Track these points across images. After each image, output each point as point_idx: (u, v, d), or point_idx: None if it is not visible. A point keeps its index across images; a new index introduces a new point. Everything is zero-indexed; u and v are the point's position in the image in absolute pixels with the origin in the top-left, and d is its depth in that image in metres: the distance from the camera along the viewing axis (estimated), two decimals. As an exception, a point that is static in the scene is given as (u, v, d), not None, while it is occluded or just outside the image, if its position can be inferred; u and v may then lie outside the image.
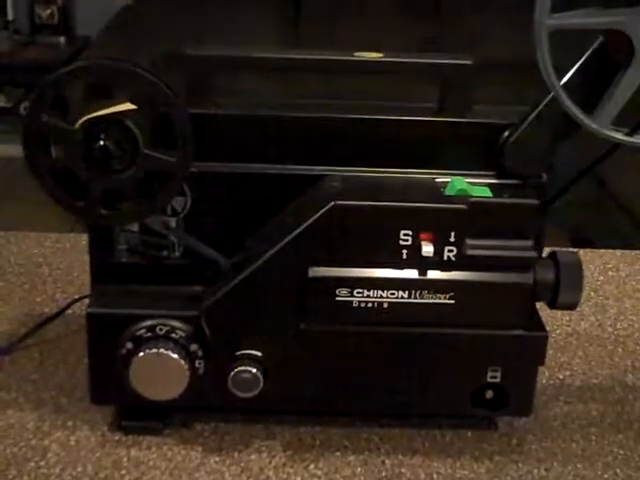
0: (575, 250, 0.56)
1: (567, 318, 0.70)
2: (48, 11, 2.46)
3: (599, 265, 0.79)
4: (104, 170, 0.49)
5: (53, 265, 0.74)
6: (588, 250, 0.82)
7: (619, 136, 0.49)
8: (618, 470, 0.54)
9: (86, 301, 0.54)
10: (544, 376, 0.62)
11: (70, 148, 0.49)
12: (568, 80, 0.49)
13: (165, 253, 0.54)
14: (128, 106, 0.48)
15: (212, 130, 0.51)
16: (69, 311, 0.65)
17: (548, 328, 0.55)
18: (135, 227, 0.53)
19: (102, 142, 0.48)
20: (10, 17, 2.44)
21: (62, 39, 2.46)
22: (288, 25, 2.28)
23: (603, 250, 0.83)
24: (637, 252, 0.82)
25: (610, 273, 0.77)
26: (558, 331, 0.68)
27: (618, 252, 0.81)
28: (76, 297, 0.65)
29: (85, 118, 0.48)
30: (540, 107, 0.50)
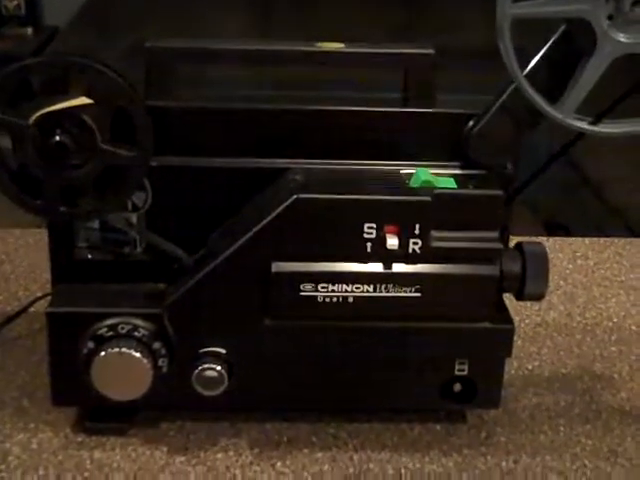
0: (541, 240, 0.56)
1: (536, 307, 0.69)
2: (15, 2, 2.42)
3: (568, 253, 0.78)
4: (61, 166, 0.48)
5: (16, 262, 0.73)
6: (557, 238, 0.82)
7: (583, 125, 0.48)
8: (586, 461, 0.54)
9: (48, 299, 0.53)
10: (513, 367, 0.62)
11: (25, 144, 0.47)
12: (531, 69, 0.48)
13: (127, 250, 0.53)
14: (84, 100, 0.47)
15: (172, 123, 0.50)
16: (32, 309, 0.64)
17: (517, 318, 0.54)
18: (95, 224, 0.52)
19: (58, 137, 0.47)
20: (-25, 8, 2.40)
21: (29, 30, 2.42)
22: (258, 10, 2.27)
23: (572, 238, 0.83)
24: (606, 240, 0.82)
25: (579, 261, 0.77)
26: (527, 321, 0.68)
27: (587, 240, 0.81)
28: (39, 295, 0.64)
29: (39, 113, 0.47)
30: (504, 97, 0.50)
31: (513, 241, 0.54)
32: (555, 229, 1.89)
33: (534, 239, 0.73)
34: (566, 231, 1.92)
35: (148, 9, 2.23)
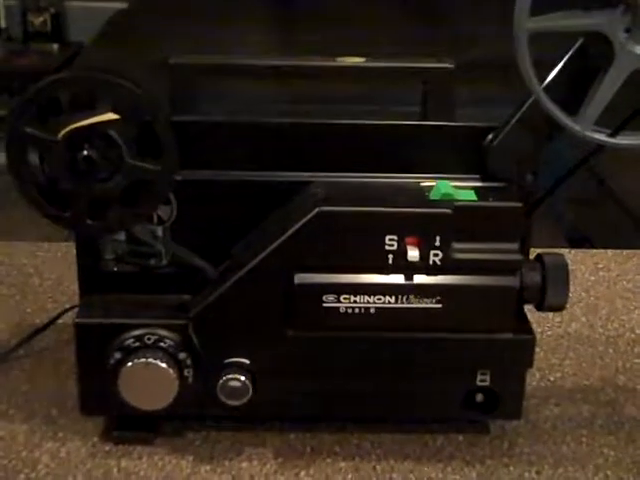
0: (563, 252, 0.56)
1: (558, 319, 0.70)
2: (41, 18, 2.46)
3: (590, 265, 0.79)
4: (89, 180, 0.49)
5: (44, 275, 0.74)
6: (579, 250, 0.83)
7: (602, 137, 0.49)
8: (609, 472, 0.54)
9: (77, 311, 0.54)
10: (535, 378, 0.62)
11: (54, 159, 0.49)
12: (549, 82, 0.49)
13: (152, 262, 0.54)
14: (111, 116, 0.48)
15: (196, 138, 0.51)
16: (60, 321, 0.65)
17: (539, 329, 0.55)
18: (122, 236, 0.53)
19: (86, 152, 0.48)
20: (3, 25, 2.44)
21: (55, 46, 2.46)
22: (280, 27, 2.28)
23: (594, 250, 0.83)
24: (628, 252, 0.82)
25: (601, 273, 0.77)
26: (549, 332, 0.68)
27: (609, 252, 0.81)
28: (67, 307, 0.65)
29: (68, 129, 0.48)
30: (522, 110, 0.50)
31: (535, 253, 0.54)
32: (578, 241, 1.89)
33: (555, 251, 0.74)
34: (589, 243, 1.91)
35: (170, 24, 2.25)
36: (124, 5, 2.41)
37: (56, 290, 0.72)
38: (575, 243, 1.90)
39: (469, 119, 0.52)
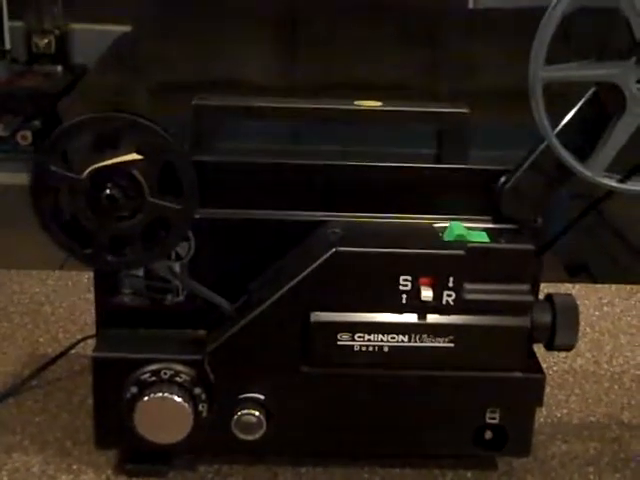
0: (566, 286, 0.57)
1: (563, 355, 0.70)
2: (45, 40, 2.48)
3: (594, 300, 0.80)
4: (111, 218, 0.50)
5: (55, 304, 0.75)
6: (583, 285, 0.84)
7: (612, 183, 0.50)
8: (616, 509, 0.55)
9: (89, 341, 0.55)
10: (542, 414, 0.63)
11: (77, 197, 0.50)
12: (562, 128, 0.50)
13: (169, 297, 0.55)
14: (134, 156, 0.49)
15: (215, 177, 0.52)
16: (72, 351, 0.66)
17: (545, 365, 0.56)
18: (140, 272, 0.54)
19: (109, 191, 0.49)
20: (7, 46, 2.46)
21: (59, 68, 2.48)
22: (282, 48, 2.30)
23: (599, 285, 0.84)
24: (632, 287, 0.83)
25: (605, 308, 0.78)
26: (555, 368, 0.69)
27: (613, 287, 0.82)
28: (79, 338, 0.66)
29: (92, 168, 0.49)
30: (535, 155, 0.51)
31: (545, 293, 0.55)
32: (576, 270, 1.89)
33: (559, 286, 0.75)
34: (587, 272, 1.92)
35: (174, 47, 2.27)
36: (128, 28, 2.43)
37: (68, 320, 0.73)
38: (573, 272, 1.91)
39: (482, 162, 0.54)
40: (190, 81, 2.02)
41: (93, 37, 2.47)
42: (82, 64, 2.49)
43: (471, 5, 2.47)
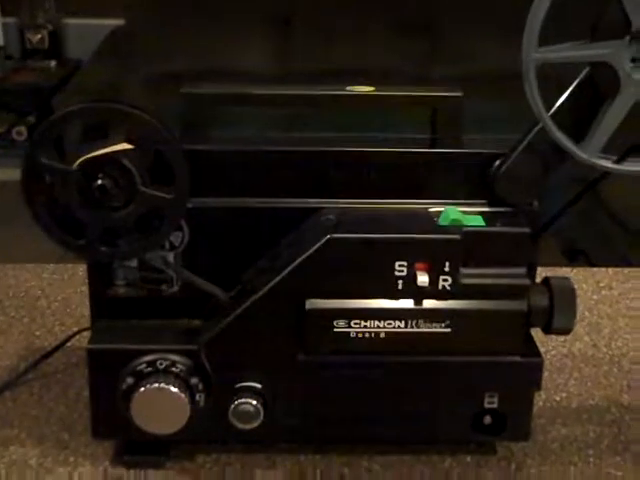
0: (565, 270, 0.57)
1: (562, 339, 0.70)
2: (38, 36, 2.47)
3: (592, 284, 0.79)
4: (102, 209, 0.50)
5: (51, 297, 0.75)
6: (581, 269, 0.83)
7: (608, 164, 0.50)
8: (616, 492, 0.55)
9: (84, 334, 0.55)
10: (541, 399, 0.63)
11: (68, 188, 0.49)
12: (556, 109, 0.50)
13: (164, 287, 0.54)
14: (125, 146, 0.49)
15: (207, 166, 0.52)
16: (68, 344, 0.65)
17: (543, 349, 0.55)
18: (134, 262, 0.54)
19: (100, 181, 0.49)
20: (1, 43, 2.45)
21: (53, 63, 2.46)
22: (277, 38, 2.29)
23: (596, 269, 0.83)
24: (630, 270, 0.82)
25: (603, 292, 0.78)
26: (553, 352, 0.69)
27: (610, 270, 0.82)
28: (75, 330, 0.66)
29: (83, 158, 0.49)
30: (529, 137, 0.51)
31: (542, 277, 0.55)
32: (574, 255, 1.89)
33: (557, 270, 0.74)
34: (585, 256, 1.92)
35: (168, 39, 2.26)
36: (122, 22, 2.42)
37: (64, 313, 0.72)
38: (571, 257, 1.91)
39: (477, 145, 0.53)
40: (185, 72, 2.01)
41: (87, 31, 2.46)
42: (76, 58, 2.48)
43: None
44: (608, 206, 1.87)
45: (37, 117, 2.30)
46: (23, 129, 2.29)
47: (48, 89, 2.31)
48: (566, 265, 1.40)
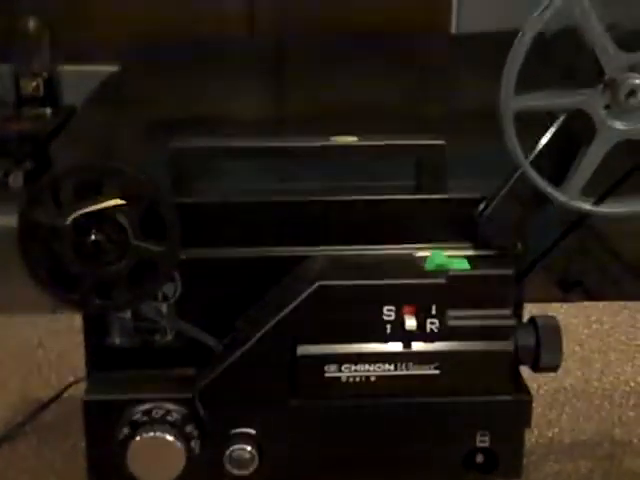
0: (555, 306, 0.58)
1: (553, 374, 0.71)
2: (33, 83, 2.49)
3: (583, 318, 0.80)
4: (96, 263, 0.51)
5: (47, 348, 0.75)
6: (572, 305, 0.84)
7: (587, 206, 0.51)
8: (609, 528, 0.56)
9: (81, 384, 0.56)
10: (533, 435, 0.63)
11: (62, 243, 0.51)
12: (535, 155, 0.51)
13: (157, 337, 0.55)
14: (117, 202, 0.50)
15: (197, 218, 0.53)
16: (65, 395, 0.66)
17: (535, 385, 0.56)
18: (128, 313, 0.55)
19: (94, 237, 0.50)
20: (-4, 91, 2.48)
21: (48, 110, 2.49)
22: (268, 84, 2.32)
23: (587, 303, 0.84)
24: (619, 303, 0.83)
25: (594, 326, 0.79)
26: (545, 387, 0.70)
27: (601, 304, 0.83)
28: (71, 380, 0.67)
29: (76, 214, 0.50)
30: (510, 182, 0.53)
31: (527, 306, 0.56)
32: (569, 287, 1.90)
33: (549, 306, 0.76)
34: (582, 287, 1.92)
35: (163, 85, 2.29)
36: (116, 68, 2.45)
37: (60, 363, 0.73)
38: (566, 288, 1.92)
39: (460, 190, 0.55)
40: (177, 119, 2.04)
41: (81, 78, 2.49)
42: (71, 105, 2.51)
43: (454, 30, 2.50)
44: (603, 238, 1.88)
45: (34, 164, 2.32)
46: (20, 175, 2.31)
47: (43, 136, 2.34)
48: (560, 299, 1.41)
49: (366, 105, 2.06)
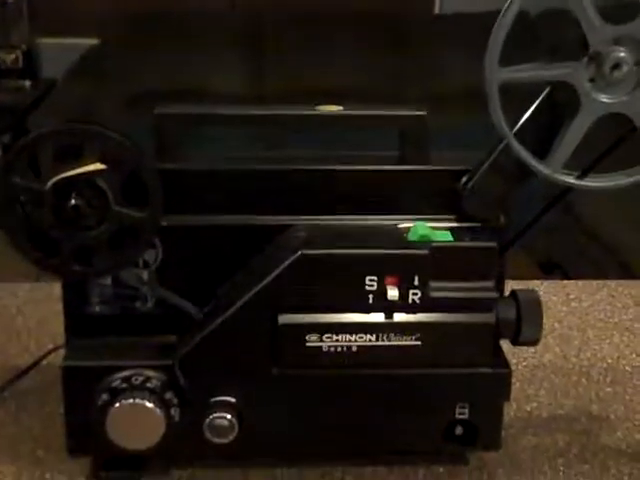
0: (535, 283, 0.58)
1: (532, 350, 0.71)
2: (12, 56, 2.46)
3: (562, 296, 0.81)
4: (76, 228, 0.50)
5: (27, 315, 0.75)
6: (552, 282, 0.85)
7: (570, 180, 0.51)
8: (585, 499, 0.56)
9: (60, 352, 0.55)
10: (512, 409, 0.64)
11: (42, 208, 0.50)
12: (519, 127, 0.51)
13: (138, 304, 0.55)
14: (98, 166, 0.50)
15: (180, 184, 0.53)
16: (44, 362, 0.66)
17: (514, 360, 0.57)
18: (108, 280, 0.55)
19: (74, 201, 0.50)
20: (-26, 63, 2.44)
21: (27, 83, 2.46)
22: (253, 65, 2.31)
23: (566, 281, 0.85)
24: (598, 282, 0.84)
25: (573, 304, 0.80)
26: (524, 363, 0.70)
27: (580, 282, 0.84)
28: (50, 347, 0.66)
29: (56, 178, 0.50)
30: (494, 154, 0.52)
31: (509, 284, 0.56)
32: (550, 268, 1.91)
33: (529, 283, 0.76)
34: (561, 270, 1.94)
35: (142, 59, 2.27)
36: (96, 41, 2.43)
37: (40, 331, 0.73)
38: (547, 270, 1.93)
39: (444, 162, 0.54)
40: (157, 92, 2.02)
41: (61, 51, 2.46)
42: (50, 78, 2.48)
43: (437, 10, 2.49)
44: (581, 219, 1.89)
45: (11, 137, 2.29)
46: (-3, 148, 2.28)
47: (22, 109, 2.31)
48: (541, 278, 1.42)
49: (348, 82, 2.05)
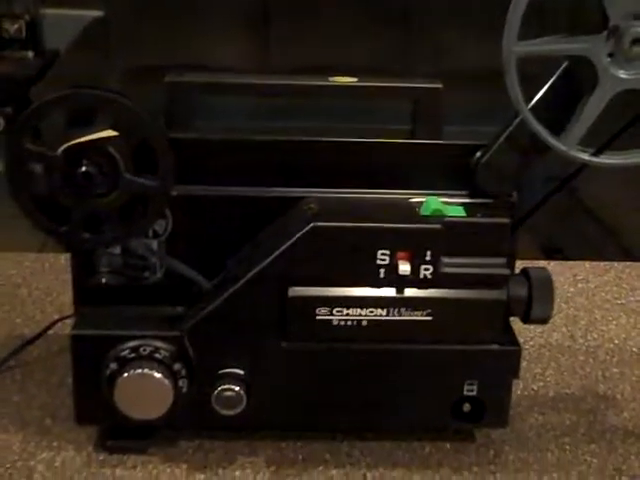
0: (545, 265, 0.57)
1: (540, 330, 0.71)
2: (15, 26, 2.44)
3: (569, 277, 0.81)
4: (86, 195, 0.50)
5: (32, 285, 0.75)
6: (558, 262, 0.85)
7: (585, 157, 0.51)
8: (592, 478, 0.56)
9: (66, 322, 0.55)
10: (519, 387, 0.64)
11: (52, 174, 0.49)
12: (536, 102, 0.51)
13: (147, 275, 0.55)
14: (110, 133, 0.49)
15: (192, 154, 0.52)
16: (50, 332, 0.66)
17: (521, 340, 0.56)
18: (117, 249, 0.54)
19: (84, 168, 0.49)
20: (-22, 32, 2.43)
21: (30, 53, 2.44)
22: (258, 39, 2.29)
23: (573, 262, 0.85)
24: (606, 263, 0.84)
25: (580, 285, 0.79)
26: (531, 342, 0.70)
27: (587, 264, 0.83)
28: (56, 318, 0.66)
29: (67, 145, 0.49)
30: (510, 129, 0.52)
31: (521, 267, 0.56)
32: (552, 252, 1.91)
33: (536, 263, 0.76)
34: (562, 254, 1.94)
35: (147, 31, 2.25)
36: (101, 13, 2.41)
37: (45, 301, 0.73)
38: (547, 253, 1.93)
39: (457, 137, 0.54)
40: (163, 65, 2.01)
41: (65, 22, 2.44)
42: (54, 49, 2.46)
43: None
44: (585, 205, 1.89)
45: (15, 108, 2.28)
46: (1, 120, 2.27)
47: (26, 79, 2.30)
48: (544, 259, 1.42)
49: (357, 58, 2.04)
